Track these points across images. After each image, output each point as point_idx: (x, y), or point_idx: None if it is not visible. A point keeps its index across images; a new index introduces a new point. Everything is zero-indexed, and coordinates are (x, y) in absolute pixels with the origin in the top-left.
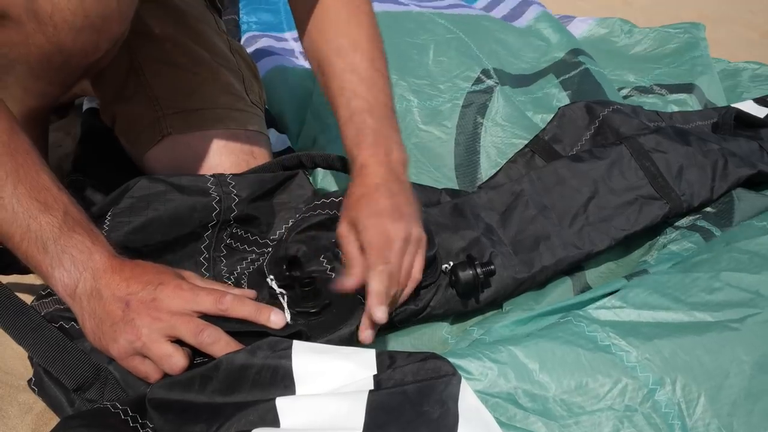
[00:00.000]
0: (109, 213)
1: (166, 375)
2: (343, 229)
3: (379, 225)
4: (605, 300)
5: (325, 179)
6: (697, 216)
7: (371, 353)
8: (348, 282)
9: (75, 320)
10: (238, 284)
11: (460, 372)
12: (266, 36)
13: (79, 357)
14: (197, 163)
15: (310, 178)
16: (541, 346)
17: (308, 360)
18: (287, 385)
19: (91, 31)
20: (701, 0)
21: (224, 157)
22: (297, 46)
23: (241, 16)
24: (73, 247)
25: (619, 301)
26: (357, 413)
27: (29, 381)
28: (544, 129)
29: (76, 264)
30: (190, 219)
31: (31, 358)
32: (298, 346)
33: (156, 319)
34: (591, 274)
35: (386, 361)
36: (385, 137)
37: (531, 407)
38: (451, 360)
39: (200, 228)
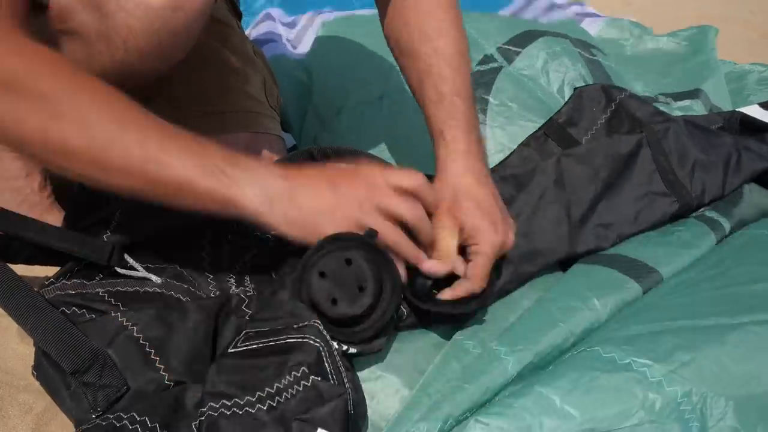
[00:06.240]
0: (117, 213)
1: None
2: (444, 216)
3: (492, 237)
4: (614, 325)
5: None
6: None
7: None
8: (438, 269)
9: (77, 305)
10: (241, 277)
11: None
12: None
13: (78, 339)
14: None
15: None
16: (561, 376)
17: None
18: None
19: (158, 58)
20: (701, 0)
21: None
22: (285, 32)
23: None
24: (246, 166)
25: (630, 320)
26: None
27: (32, 366)
28: (559, 111)
29: (261, 175)
30: (195, 216)
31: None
32: None
33: (372, 190)
34: None
35: None
36: (474, 122)
37: None
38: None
39: (203, 223)
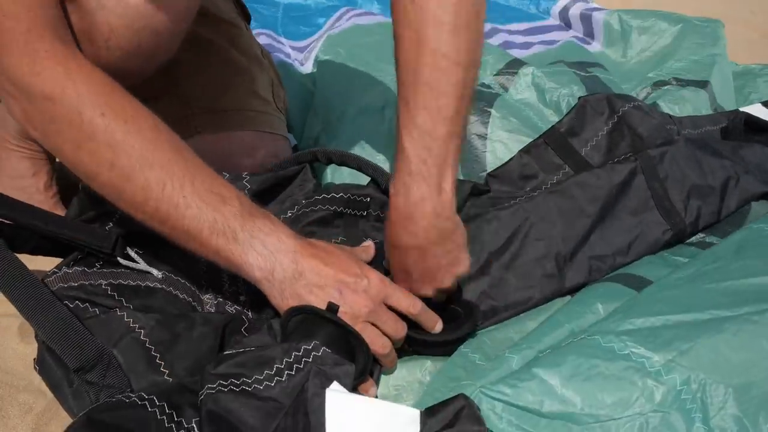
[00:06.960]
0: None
1: None
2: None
3: (402, 285)
4: (613, 317)
5: (335, 174)
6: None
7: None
8: None
9: (80, 299)
10: (234, 279)
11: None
12: (264, 34)
13: (84, 337)
14: (221, 163)
15: (326, 172)
16: (561, 362)
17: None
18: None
19: (141, 58)
20: (701, 0)
21: (249, 159)
22: (294, 54)
23: None
24: (259, 231)
25: (629, 312)
26: None
27: (34, 360)
28: (561, 120)
29: (267, 246)
30: None
31: (37, 337)
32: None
33: (370, 311)
34: None
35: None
36: (423, 169)
37: (556, 416)
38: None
39: None
